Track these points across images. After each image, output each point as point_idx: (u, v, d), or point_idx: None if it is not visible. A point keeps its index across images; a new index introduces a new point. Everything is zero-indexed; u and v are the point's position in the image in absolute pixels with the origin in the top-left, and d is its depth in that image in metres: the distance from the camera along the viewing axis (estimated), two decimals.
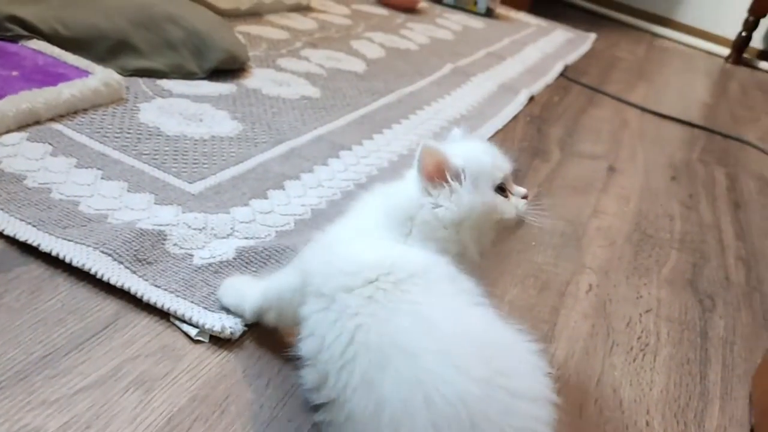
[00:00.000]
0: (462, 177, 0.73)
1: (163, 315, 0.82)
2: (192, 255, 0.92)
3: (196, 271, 0.89)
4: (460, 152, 0.75)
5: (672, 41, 3.85)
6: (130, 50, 1.43)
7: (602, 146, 1.88)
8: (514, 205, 0.76)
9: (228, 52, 1.53)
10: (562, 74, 2.43)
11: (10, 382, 0.68)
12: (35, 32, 1.38)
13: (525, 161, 1.60)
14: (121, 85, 1.30)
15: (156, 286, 0.84)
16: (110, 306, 0.81)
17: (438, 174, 0.73)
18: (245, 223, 1.03)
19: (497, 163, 0.77)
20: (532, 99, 2.04)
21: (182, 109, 1.33)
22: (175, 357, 0.77)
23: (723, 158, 2.04)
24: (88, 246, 0.87)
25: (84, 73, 1.29)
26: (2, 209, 0.91)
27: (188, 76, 1.47)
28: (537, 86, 2.16)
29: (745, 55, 3.65)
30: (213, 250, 0.94)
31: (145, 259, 0.88)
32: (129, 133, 1.19)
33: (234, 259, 0.94)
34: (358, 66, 1.90)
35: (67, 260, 0.84)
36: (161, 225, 0.96)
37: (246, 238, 1.00)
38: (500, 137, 1.69)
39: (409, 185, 0.75)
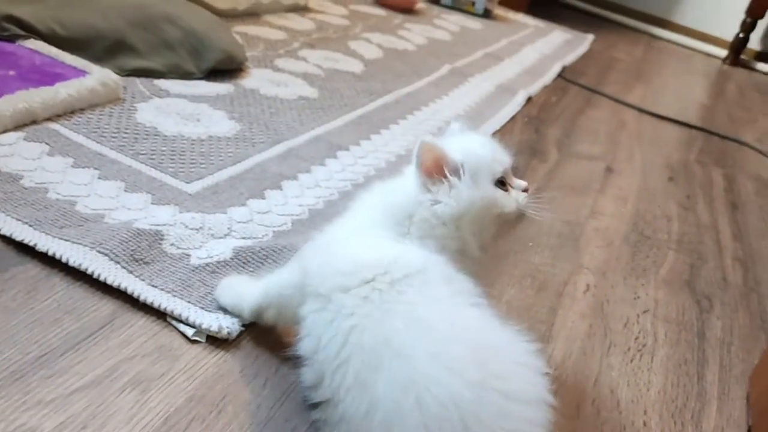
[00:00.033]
0: (461, 172, 0.72)
1: (160, 315, 0.82)
2: (189, 255, 0.92)
3: (193, 271, 0.89)
4: (459, 147, 0.75)
5: (669, 42, 3.86)
6: (128, 50, 1.43)
7: (600, 147, 1.88)
8: (514, 198, 0.75)
9: (225, 53, 1.53)
10: (560, 75, 2.43)
11: (5, 382, 0.68)
12: (32, 32, 1.37)
13: (523, 162, 1.60)
14: (118, 84, 1.30)
15: (153, 286, 0.84)
16: (107, 306, 0.81)
17: (437, 169, 0.72)
18: (242, 223, 1.02)
19: (497, 156, 0.76)
20: (529, 100, 2.04)
21: (179, 109, 1.33)
22: (171, 357, 0.77)
23: (720, 159, 2.05)
24: (85, 246, 0.86)
25: (81, 72, 1.29)
26: None
27: (186, 76, 1.47)
28: (535, 87, 2.16)
29: (742, 57, 3.66)
30: (210, 250, 0.94)
31: (141, 259, 0.88)
32: (126, 132, 1.19)
33: (231, 259, 0.93)
34: (356, 66, 1.90)
35: (64, 260, 0.84)
36: (158, 225, 0.96)
37: (243, 238, 0.99)
38: (498, 138, 1.68)
39: (408, 182, 0.75)
